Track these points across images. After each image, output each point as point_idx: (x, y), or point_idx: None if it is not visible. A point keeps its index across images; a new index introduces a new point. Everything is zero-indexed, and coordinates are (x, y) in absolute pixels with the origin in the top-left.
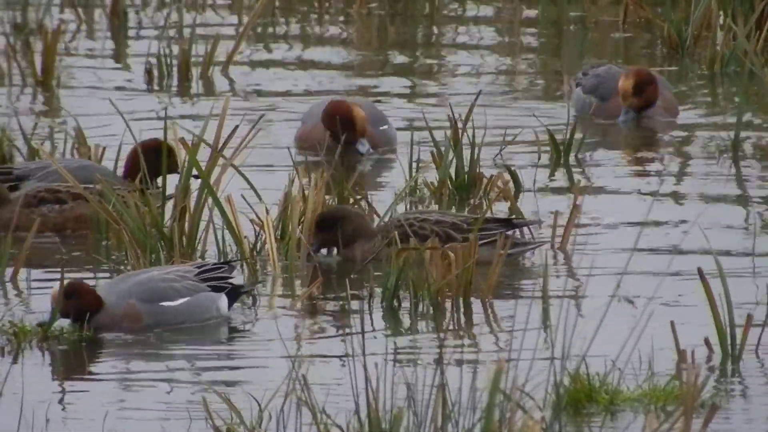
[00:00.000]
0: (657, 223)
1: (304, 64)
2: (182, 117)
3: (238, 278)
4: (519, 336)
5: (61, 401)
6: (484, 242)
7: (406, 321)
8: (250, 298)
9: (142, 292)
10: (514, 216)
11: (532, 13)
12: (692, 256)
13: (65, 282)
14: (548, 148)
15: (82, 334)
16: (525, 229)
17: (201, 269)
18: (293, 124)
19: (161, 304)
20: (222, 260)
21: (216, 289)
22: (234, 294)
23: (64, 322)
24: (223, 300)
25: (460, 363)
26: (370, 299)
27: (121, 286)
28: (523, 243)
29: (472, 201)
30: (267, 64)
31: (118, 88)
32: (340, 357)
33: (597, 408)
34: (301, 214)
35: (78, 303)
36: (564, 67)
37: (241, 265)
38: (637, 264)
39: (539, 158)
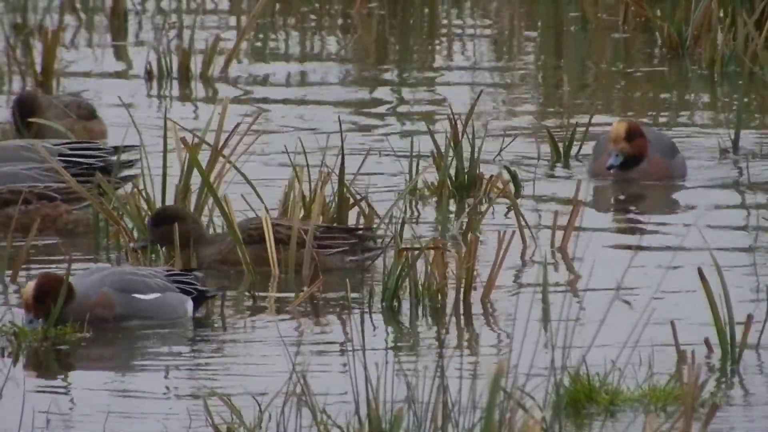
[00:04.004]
0: (657, 223)
1: (303, 64)
2: (182, 117)
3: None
4: (519, 336)
5: (61, 401)
6: (338, 251)
7: (406, 321)
8: (251, 298)
9: (115, 282)
10: (362, 227)
11: (531, 13)
12: (692, 256)
13: (33, 285)
14: (548, 148)
15: (82, 335)
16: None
17: (169, 272)
18: (292, 124)
19: (134, 295)
20: (192, 268)
21: (183, 293)
22: (200, 299)
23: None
24: (189, 303)
25: (460, 363)
26: (370, 299)
27: (93, 276)
28: (369, 249)
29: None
30: (267, 63)
31: (118, 89)
32: (340, 357)
33: (597, 408)
34: (304, 216)
35: (49, 302)
36: (564, 67)
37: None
38: (637, 264)
39: (539, 158)
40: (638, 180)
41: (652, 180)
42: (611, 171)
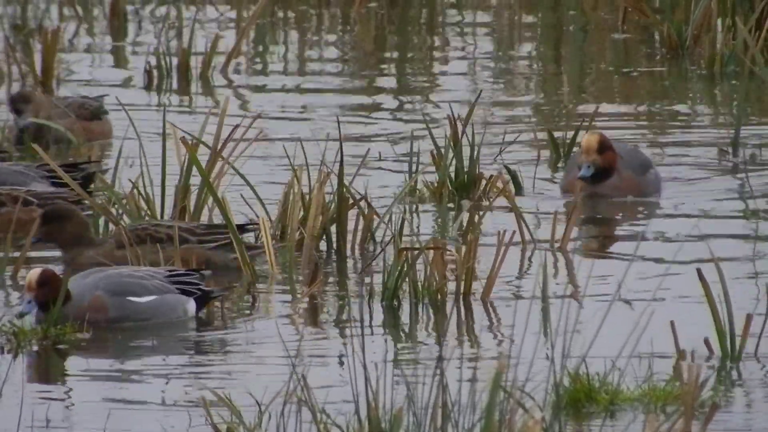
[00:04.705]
0: (657, 223)
1: (302, 64)
2: (181, 115)
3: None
4: (519, 336)
5: (61, 401)
6: (217, 244)
7: (406, 321)
8: (250, 298)
9: (108, 285)
10: (246, 222)
11: (531, 12)
12: (692, 256)
13: (39, 270)
14: (548, 148)
15: (81, 334)
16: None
17: (171, 273)
18: (292, 124)
19: (128, 298)
20: (196, 268)
21: (185, 293)
22: (203, 299)
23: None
24: (191, 303)
25: (460, 363)
26: (370, 299)
27: (88, 279)
28: (254, 247)
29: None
30: (266, 63)
31: (118, 88)
32: (339, 357)
33: (597, 408)
34: (303, 216)
35: (49, 292)
36: (564, 67)
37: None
38: (637, 264)
39: (539, 158)
40: (609, 195)
41: (623, 196)
42: (581, 182)
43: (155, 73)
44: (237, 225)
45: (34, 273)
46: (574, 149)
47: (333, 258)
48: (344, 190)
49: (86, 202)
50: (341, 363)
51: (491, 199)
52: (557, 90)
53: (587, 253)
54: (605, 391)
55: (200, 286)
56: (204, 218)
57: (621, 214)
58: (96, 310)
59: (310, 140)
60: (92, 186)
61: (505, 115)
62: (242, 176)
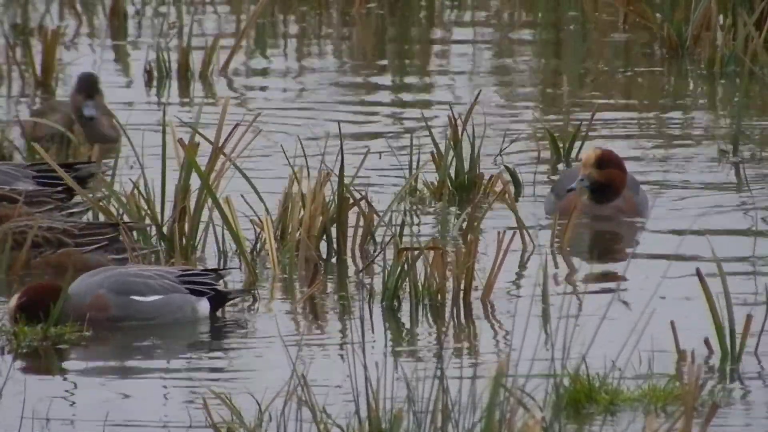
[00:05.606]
0: (657, 223)
1: (302, 64)
2: (181, 115)
3: (237, 283)
4: (519, 336)
5: (60, 401)
6: (95, 247)
7: (406, 321)
8: (251, 298)
9: (112, 284)
10: (124, 220)
11: (531, 13)
12: (692, 255)
13: (18, 296)
14: (548, 149)
15: (82, 334)
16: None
17: (184, 272)
18: (291, 125)
19: (132, 297)
20: (213, 268)
21: (196, 293)
22: (219, 299)
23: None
24: (202, 303)
25: (460, 363)
26: (370, 299)
27: (92, 278)
28: (132, 248)
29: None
30: (266, 63)
31: (118, 88)
32: (340, 357)
33: (597, 408)
34: (303, 216)
35: (43, 305)
36: (563, 67)
37: (244, 269)
38: (637, 264)
39: (539, 158)
40: (612, 218)
41: (623, 217)
42: (569, 194)
43: (155, 73)
44: (108, 223)
45: (12, 305)
46: (568, 166)
47: (333, 258)
48: (344, 190)
49: (83, 199)
50: (342, 356)
51: (491, 200)
52: (557, 90)
53: (587, 252)
54: (605, 391)
55: (214, 286)
56: (204, 217)
57: (620, 216)
58: (98, 308)
59: (310, 139)
60: (89, 185)
61: (505, 115)
62: (244, 174)
